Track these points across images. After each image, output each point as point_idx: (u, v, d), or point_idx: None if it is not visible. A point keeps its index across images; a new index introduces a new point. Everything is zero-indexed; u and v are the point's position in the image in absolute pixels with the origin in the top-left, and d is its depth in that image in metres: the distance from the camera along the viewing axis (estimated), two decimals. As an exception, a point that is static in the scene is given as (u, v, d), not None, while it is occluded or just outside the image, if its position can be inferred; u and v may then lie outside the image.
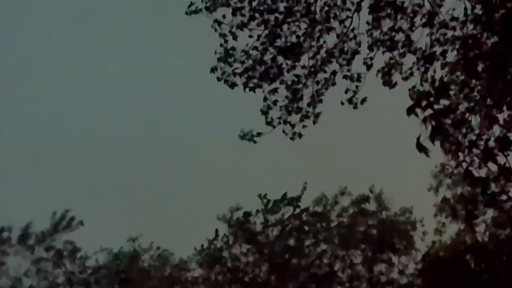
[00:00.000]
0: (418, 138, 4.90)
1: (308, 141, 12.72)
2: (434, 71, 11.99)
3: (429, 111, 5.02)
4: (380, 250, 30.42)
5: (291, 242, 30.26)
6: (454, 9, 11.59)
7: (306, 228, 30.32)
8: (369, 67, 12.39)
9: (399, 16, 11.76)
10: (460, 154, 11.84)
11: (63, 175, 50.70)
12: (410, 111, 5.00)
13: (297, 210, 30.08)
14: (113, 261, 31.82)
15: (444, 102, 5.03)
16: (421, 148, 4.88)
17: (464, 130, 11.06)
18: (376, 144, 53.17)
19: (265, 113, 12.39)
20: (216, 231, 30.29)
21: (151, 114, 62.40)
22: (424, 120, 5.02)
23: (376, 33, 12.11)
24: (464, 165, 12.38)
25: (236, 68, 12.16)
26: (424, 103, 4.97)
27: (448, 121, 5.21)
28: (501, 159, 6.17)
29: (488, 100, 10.57)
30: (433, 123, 4.93)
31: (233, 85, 12.24)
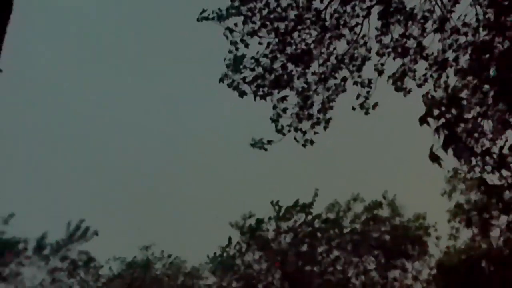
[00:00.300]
0: (431, 149, 4.84)
1: (319, 147, 12.61)
2: (447, 77, 11.91)
3: (441, 121, 4.97)
4: (394, 256, 30.22)
5: (304, 249, 30.15)
6: (465, 15, 11.50)
7: (319, 234, 30.22)
8: (380, 73, 12.33)
9: (409, 22, 11.69)
10: (473, 159, 11.76)
11: (63, 175, 50.96)
12: (423, 120, 4.95)
13: (309, 217, 30.01)
14: (126, 270, 31.91)
15: (456, 110, 4.98)
16: (434, 158, 4.81)
17: (476, 135, 10.97)
18: (388, 150, 52.88)
19: (275, 121, 12.29)
20: (229, 238, 30.28)
21: (152, 115, 62.57)
22: (437, 130, 4.96)
23: (385, 39, 12.05)
24: (477, 169, 12.28)
25: (246, 76, 12.09)
26: (436, 112, 4.92)
27: (460, 128, 5.15)
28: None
29: (501, 104, 10.48)
30: (446, 132, 4.88)
31: (242, 94, 12.14)
